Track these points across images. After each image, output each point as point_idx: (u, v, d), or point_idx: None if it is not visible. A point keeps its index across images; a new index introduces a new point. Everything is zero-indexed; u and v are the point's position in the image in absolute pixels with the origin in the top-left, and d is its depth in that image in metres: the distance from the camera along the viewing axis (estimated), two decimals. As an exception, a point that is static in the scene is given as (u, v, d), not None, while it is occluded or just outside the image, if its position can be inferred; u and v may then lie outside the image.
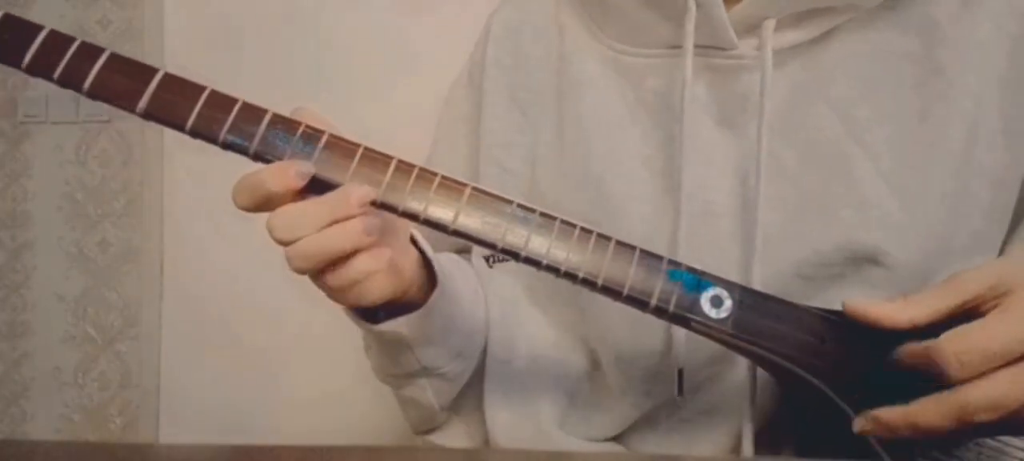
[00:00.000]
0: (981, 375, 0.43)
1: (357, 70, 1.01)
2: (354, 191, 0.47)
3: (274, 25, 1.02)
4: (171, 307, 1.07)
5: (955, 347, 0.44)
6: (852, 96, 0.57)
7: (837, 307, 0.51)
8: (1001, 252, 0.58)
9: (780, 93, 0.57)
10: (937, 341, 0.44)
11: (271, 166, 0.47)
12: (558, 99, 0.65)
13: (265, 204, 0.47)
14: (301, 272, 0.48)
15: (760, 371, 0.55)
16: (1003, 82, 0.56)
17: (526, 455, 0.60)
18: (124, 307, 1.08)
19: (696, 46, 0.58)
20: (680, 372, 0.58)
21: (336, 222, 0.47)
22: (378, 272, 0.49)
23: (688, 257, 0.57)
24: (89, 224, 1.08)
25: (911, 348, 0.46)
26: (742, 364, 0.57)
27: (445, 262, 0.61)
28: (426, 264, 0.58)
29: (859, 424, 0.47)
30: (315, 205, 0.47)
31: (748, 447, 0.57)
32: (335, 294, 0.50)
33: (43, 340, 1.10)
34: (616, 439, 0.65)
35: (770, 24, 0.56)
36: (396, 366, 0.62)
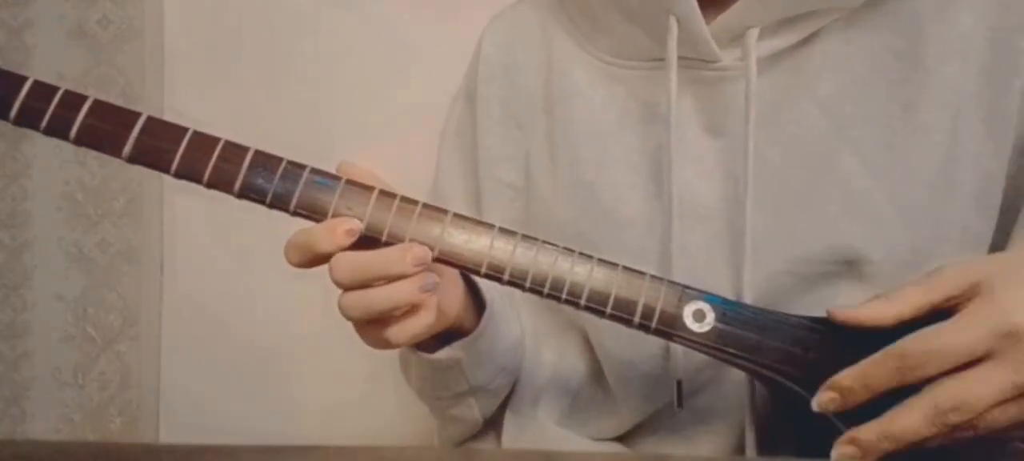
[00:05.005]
0: (946, 374, 0.43)
1: (358, 70, 1.01)
2: (410, 251, 0.48)
3: (274, 25, 1.02)
4: (171, 307, 1.07)
5: (914, 348, 0.43)
6: (836, 93, 0.57)
7: (831, 302, 0.51)
8: (1002, 246, 0.58)
9: (765, 97, 0.57)
10: (896, 344, 0.44)
11: (321, 225, 0.48)
12: (548, 108, 0.66)
13: (316, 261, 0.49)
14: (350, 319, 0.49)
15: None
16: (985, 72, 0.56)
17: (525, 455, 0.60)
18: (124, 307, 1.08)
19: (680, 58, 0.58)
20: (679, 383, 0.58)
21: (391, 279, 0.48)
22: (423, 325, 0.50)
23: (681, 260, 0.57)
24: (89, 224, 1.08)
25: (874, 358, 0.45)
26: None
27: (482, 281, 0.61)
28: (469, 286, 0.59)
29: (836, 454, 0.45)
30: (373, 260, 0.48)
31: (751, 449, 0.57)
32: (372, 338, 0.51)
33: (43, 340, 1.10)
34: (617, 439, 0.66)
35: (753, 33, 0.57)
36: (445, 389, 0.63)
